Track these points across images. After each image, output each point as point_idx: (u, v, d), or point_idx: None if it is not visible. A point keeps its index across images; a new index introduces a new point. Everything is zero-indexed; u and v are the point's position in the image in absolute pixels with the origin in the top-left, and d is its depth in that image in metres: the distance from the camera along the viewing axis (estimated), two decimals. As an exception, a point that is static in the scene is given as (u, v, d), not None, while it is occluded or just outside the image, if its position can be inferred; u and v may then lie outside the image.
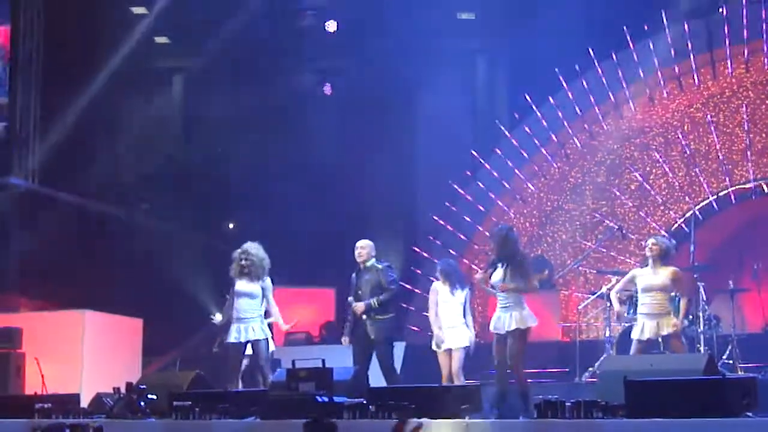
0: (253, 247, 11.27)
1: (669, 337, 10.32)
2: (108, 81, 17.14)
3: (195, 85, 18.48)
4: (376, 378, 10.41)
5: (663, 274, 10.39)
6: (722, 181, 15.60)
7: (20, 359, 13.17)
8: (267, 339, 11.24)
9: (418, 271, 16.29)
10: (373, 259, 11.49)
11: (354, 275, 11.44)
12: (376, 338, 11.18)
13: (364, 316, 11.22)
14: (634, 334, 10.46)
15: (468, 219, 16.66)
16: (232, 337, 11.07)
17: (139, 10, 17.72)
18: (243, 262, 11.16)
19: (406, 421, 4.73)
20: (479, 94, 17.67)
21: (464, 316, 11.17)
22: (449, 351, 11.07)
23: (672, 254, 10.64)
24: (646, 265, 10.62)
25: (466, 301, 11.24)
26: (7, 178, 16.00)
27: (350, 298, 11.38)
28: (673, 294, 10.62)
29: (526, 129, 16.64)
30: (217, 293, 13.81)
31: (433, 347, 11.21)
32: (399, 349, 12.33)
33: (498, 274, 10.13)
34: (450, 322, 11.12)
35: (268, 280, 11.25)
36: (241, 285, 11.17)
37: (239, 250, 11.24)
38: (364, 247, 11.50)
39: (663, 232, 14.84)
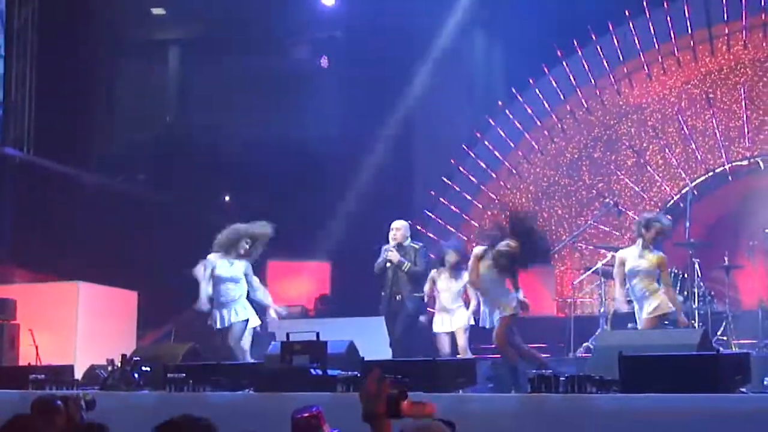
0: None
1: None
2: (104, 51, 17.07)
3: (191, 57, 18.38)
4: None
5: (649, 259, 10.22)
6: (719, 157, 15.57)
7: (14, 330, 13.14)
8: (247, 320, 11.07)
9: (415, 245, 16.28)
10: (409, 239, 11.52)
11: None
12: (407, 312, 11.24)
13: (398, 297, 11.26)
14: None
15: (464, 194, 16.63)
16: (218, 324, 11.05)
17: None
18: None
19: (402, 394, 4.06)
20: (477, 68, 17.56)
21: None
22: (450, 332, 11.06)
23: (668, 235, 10.62)
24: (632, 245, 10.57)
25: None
26: (1, 148, 15.92)
27: (386, 246, 11.34)
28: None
29: (524, 104, 16.59)
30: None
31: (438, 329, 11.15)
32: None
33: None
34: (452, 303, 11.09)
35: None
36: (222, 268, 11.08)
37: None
38: (399, 228, 11.48)
39: (658, 209, 14.86)
